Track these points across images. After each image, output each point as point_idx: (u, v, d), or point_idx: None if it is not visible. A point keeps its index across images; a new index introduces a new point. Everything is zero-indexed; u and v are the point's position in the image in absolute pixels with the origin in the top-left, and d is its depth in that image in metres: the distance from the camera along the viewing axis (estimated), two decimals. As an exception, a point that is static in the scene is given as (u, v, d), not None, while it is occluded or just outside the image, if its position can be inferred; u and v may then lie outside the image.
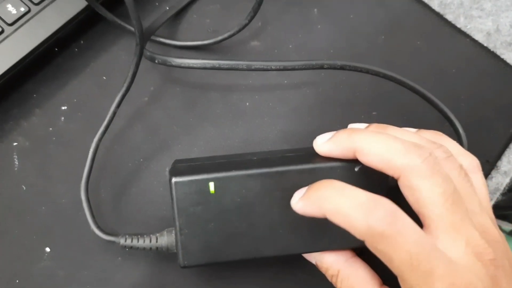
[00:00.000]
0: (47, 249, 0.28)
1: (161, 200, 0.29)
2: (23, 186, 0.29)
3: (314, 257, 0.26)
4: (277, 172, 0.24)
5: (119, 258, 0.28)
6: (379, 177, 0.23)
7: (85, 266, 0.27)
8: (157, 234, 0.26)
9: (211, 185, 0.24)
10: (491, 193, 0.32)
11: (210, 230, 0.24)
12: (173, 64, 0.29)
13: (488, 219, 0.22)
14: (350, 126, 0.27)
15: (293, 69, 0.28)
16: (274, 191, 0.24)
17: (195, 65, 0.28)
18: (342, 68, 0.29)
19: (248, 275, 0.28)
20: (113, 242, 0.26)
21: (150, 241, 0.25)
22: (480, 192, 0.24)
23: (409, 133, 0.24)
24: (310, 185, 0.23)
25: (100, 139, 0.27)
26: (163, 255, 0.28)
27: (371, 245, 0.20)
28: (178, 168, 0.25)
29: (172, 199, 0.24)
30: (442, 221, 0.21)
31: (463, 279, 0.20)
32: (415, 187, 0.21)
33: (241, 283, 0.28)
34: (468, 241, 0.20)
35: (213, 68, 0.28)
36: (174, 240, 0.25)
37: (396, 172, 0.22)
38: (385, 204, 0.20)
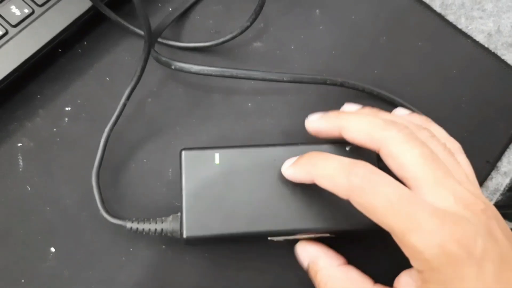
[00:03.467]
0: (52, 249, 0.28)
1: (164, 201, 0.29)
2: (27, 187, 0.29)
3: (308, 258, 0.26)
4: (279, 149, 0.26)
5: (123, 258, 0.28)
6: (369, 156, 0.25)
7: (90, 266, 0.28)
8: (163, 218, 0.27)
9: (217, 156, 0.26)
10: (491, 193, 0.32)
11: (215, 201, 0.25)
12: (192, 71, 0.30)
13: (477, 188, 0.23)
14: (344, 106, 0.29)
15: (301, 82, 0.30)
16: (276, 165, 0.26)
17: (213, 73, 0.29)
18: (341, 85, 0.31)
19: (253, 274, 0.28)
20: (120, 226, 0.27)
21: (156, 223, 0.27)
22: (466, 168, 0.25)
23: (397, 117, 0.26)
24: (300, 155, 0.25)
25: (111, 129, 0.28)
26: (167, 256, 0.28)
27: (354, 201, 0.22)
28: (188, 147, 0.27)
29: (180, 169, 0.26)
30: (426, 178, 0.21)
31: (455, 223, 0.20)
32: (395, 154, 0.22)
33: (244, 281, 0.28)
34: (455, 194, 0.21)
35: (231, 76, 0.30)
36: (178, 225, 0.26)
37: (376, 144, 0.23)
38: (364, 164, 0.22)
